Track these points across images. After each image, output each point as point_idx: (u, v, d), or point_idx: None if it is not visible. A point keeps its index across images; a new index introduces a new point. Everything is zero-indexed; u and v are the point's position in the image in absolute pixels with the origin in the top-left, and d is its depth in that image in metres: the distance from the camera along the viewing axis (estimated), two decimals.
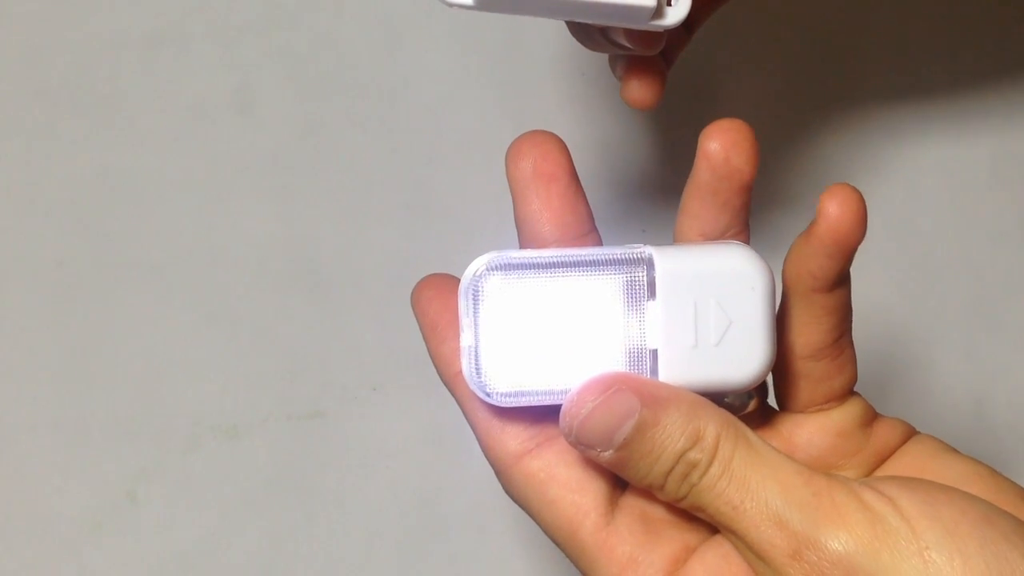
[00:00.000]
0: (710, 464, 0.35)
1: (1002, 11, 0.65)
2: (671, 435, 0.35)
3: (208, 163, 0.61)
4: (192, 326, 0.61)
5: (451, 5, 0.38)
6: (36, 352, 0.60)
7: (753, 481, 0.35)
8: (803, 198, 0.63)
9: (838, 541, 0.34)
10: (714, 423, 0.36)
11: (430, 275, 0.40)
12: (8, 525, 0.60)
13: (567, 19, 0.39)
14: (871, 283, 0.62)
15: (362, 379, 0.62)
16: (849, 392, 0.40)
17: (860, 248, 0.37)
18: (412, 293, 0.40)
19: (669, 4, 0.39)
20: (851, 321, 0.40)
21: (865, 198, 0.37)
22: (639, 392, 0.36)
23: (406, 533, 0.62)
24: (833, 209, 0.37)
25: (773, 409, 0.41)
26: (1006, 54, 0.65)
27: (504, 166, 0.39)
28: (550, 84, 0.63)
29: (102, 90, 0.61)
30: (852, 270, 0.38)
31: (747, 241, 0.39)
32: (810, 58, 0.64)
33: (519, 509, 0.39)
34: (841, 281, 0.38)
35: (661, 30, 0.39)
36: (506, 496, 0.39)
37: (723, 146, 0.37)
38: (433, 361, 0.40)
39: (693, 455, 0.35)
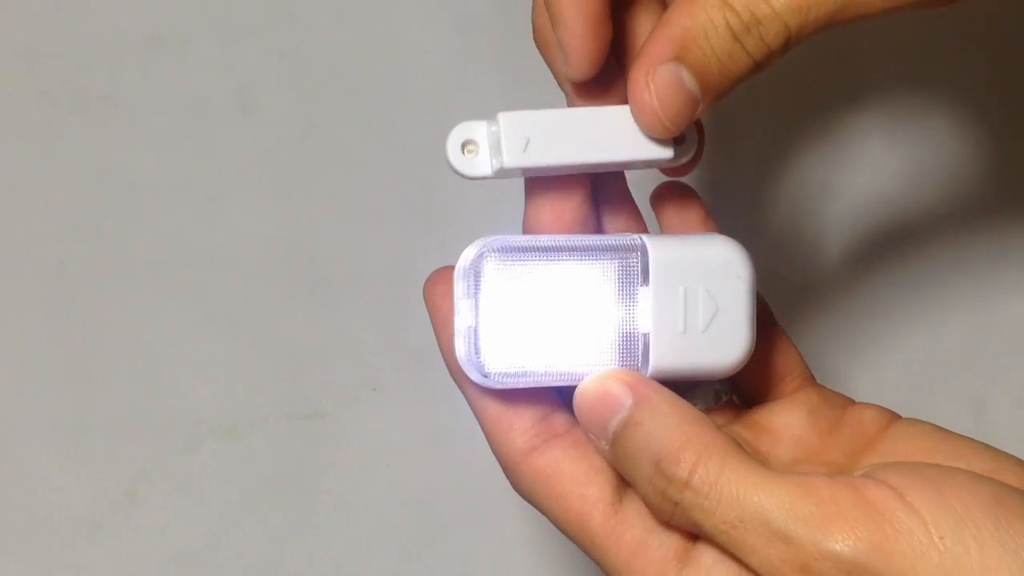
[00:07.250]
0: (688, 481, 0.35)
1: (1003, 11, 0.65)
2: (650, 440, 0.36)
3: (208, 163, 0.61)
4: (192, 326, 0.61)
5: (471, 178, 0.40)
6: (36, 352, 0.60)
7: (749, 500, 0.34)
8: (803, 199, 0.62)
9: (847, 548, 0.33)
10: (699, 442, 0.35)
11: (441, 268, 0.40)
12: (8, 525, 0.60)
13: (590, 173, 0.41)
14: (871, 283, 0.62)
15: (362, 379, 0.62)
16: (798, 359, 0.42)
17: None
18: (424, 287, 0.40)
19: (679, 144, 0.41)
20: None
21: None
22: (633, 388, 0.37)
23: (406, 533, 0.62)
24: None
25: (744, 409, 0.42)
26: (1006, 53, 0.65)
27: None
28: (551, 85, 0.63)
29: (102, 90, 0.61)
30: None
31: (643, 222, 0.42)
32: (810, 58, 0.64)
33: (519, 509, 0.39)
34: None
35: (672, 167, 0.41)
36: (506, 496, 0.39)
37: None
38: (443, 355, 0.40)
39: (668, 467, 0.35)
